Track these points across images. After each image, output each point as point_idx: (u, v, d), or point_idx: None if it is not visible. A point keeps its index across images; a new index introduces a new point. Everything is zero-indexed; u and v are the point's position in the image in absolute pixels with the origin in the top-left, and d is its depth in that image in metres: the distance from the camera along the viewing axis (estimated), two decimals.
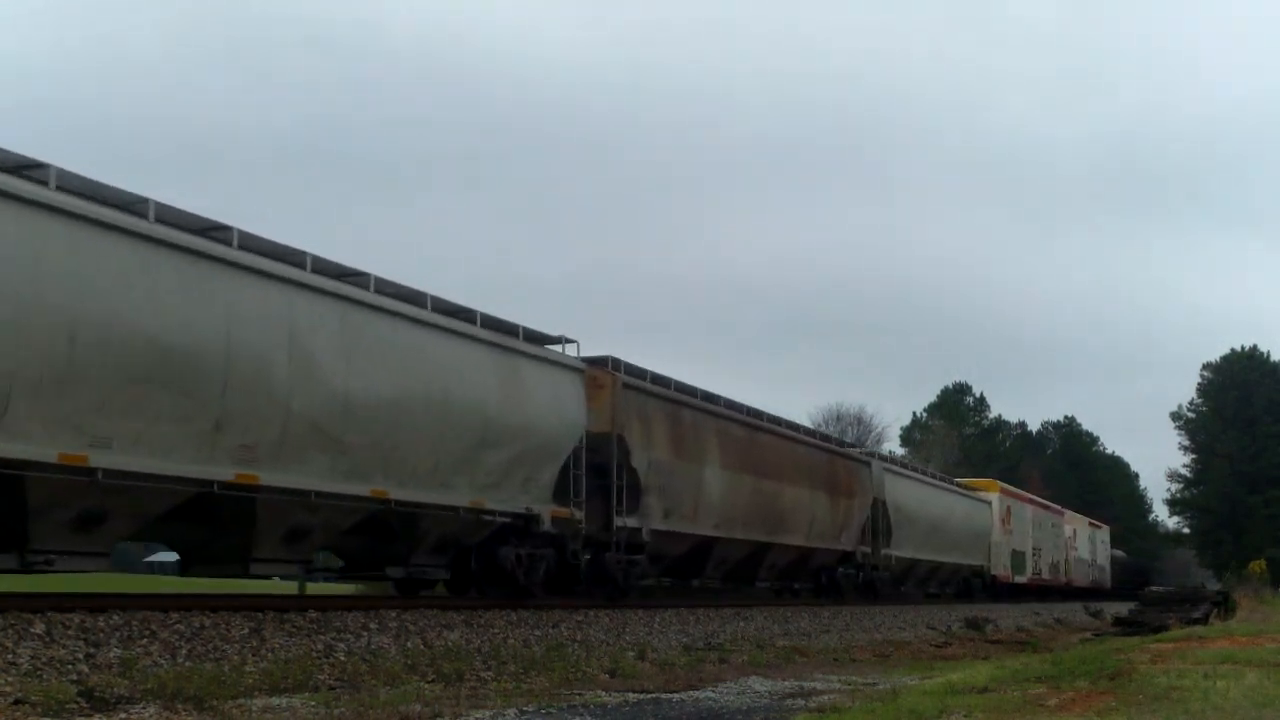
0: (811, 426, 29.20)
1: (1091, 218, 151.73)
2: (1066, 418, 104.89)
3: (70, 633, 9.75)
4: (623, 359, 19.68)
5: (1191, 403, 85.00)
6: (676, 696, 10.38)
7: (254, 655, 10.64)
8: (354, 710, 8.37)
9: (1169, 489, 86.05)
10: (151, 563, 49.39)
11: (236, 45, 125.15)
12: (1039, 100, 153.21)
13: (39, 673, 8.76)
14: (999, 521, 43.07)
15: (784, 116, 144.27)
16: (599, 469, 18.35)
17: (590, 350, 18.95)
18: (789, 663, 15.43)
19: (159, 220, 11.31)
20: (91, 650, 9.53)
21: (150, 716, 7.76)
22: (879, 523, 30.61)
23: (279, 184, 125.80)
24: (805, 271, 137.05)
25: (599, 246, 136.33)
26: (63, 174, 10.54)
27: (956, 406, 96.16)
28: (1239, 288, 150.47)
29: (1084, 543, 60.30)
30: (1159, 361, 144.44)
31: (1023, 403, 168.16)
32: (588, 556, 18.16)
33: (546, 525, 16.73)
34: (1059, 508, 57.04)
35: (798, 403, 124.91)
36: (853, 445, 32.38)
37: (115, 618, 10.39)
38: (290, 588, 19.17)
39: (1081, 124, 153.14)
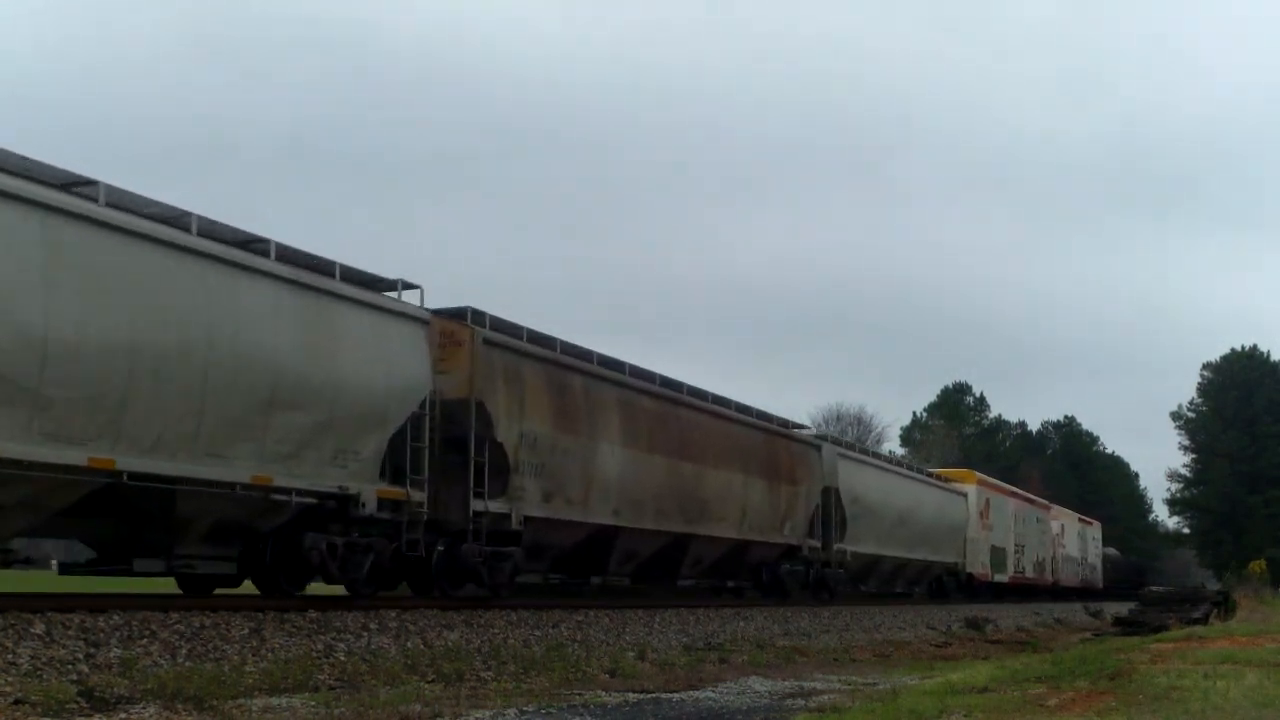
0: (758, 408, 24.72)
1: (1092, 217, 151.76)
2: (1066, 418, 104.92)
3: (70, 633, 9.75)
4: (488, 311, 16.60)
5: (1191, 403, 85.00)
6: (676, 696, 10.38)
7: (254, 655, 10.64)
8: (354, 710, 8.37)
9: (1169, 489, 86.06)
10: None
11: (235, 45, 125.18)
12: (1039, 100, 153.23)
13: (39, 673, 8.76)
14: (977, 515, 39.88)
15: (784, 117, 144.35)
16: (457, 442, 15.36)
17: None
18: (789, 663, 15.44)
19: None
20: (91, 650, 9.53)
21: (150, 716, 7.76)
22: (832, 514, 27.47)
23: (277, 183, 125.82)
24: (805, 271, 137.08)
25: (598, 246, 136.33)
26: None
27: (956, 406, 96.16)
28: (1239, 288, 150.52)
29: (1073, 540, 57.26)
30: (1159, 361, 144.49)
31: (1023, 403, 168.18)
32: (441, 548, 15.22)
33: (370, 508, 13.64)
34: (1045, 502, 54.15)
35: (798, 403, 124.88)
36: (801, 427, 27.11)
37: (115, 618, 10.38)
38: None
39: (1082, 124, 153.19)
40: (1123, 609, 31.71)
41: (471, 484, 15.33)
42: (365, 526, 13.97)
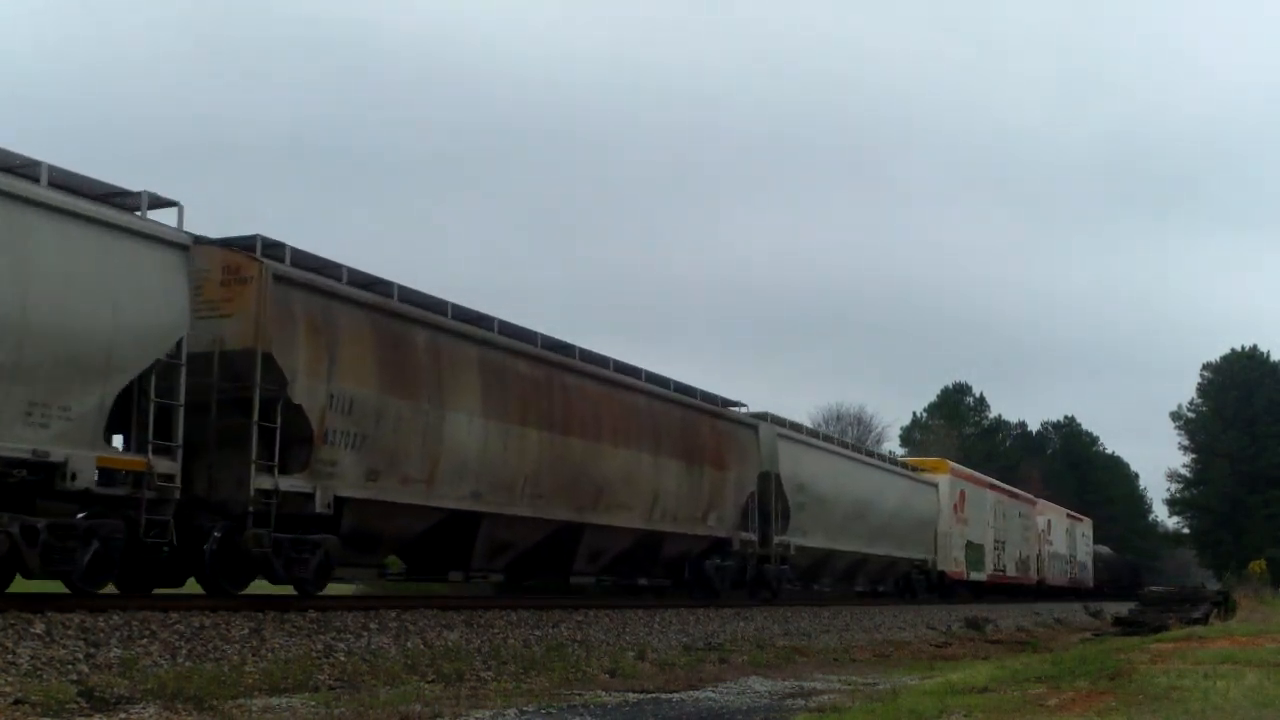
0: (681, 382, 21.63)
1: (1092, 217, 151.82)
2: (1066, 418, 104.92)
3: (70, 633, 9.75)
4: (292, 244, 13.56)
5: (1191, 403, 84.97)
6: (676, 696, 10.38)
7: (254, 655, 10.64)
8: (354, 710, 8.37)
9: (1169, 489, 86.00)
10: None
11: (235, 45, 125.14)
12: (1039, 100, 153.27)
13: (39, 673, 8.76)
14: (950, 508, 36.66)
15: (783, 117, 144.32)
16: (243, 405, 12.57)
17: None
18: (789, 663, 15.44)
19: None
20: (91, 650, 9.53)
21: (150, 716, 7.76)
22: (772, 503, 24.28)
23: (277, 184, 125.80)
24: (805, 271, 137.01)
25: (598, 247, 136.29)
26: None
27: (956, 406, 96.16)
28: (1239, 288, 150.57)
29: (1060, 536, 54.33)
30: (1159, 361, 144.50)
31: (1023, 403, 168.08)
32: (217, 534, 12.37)
33: (87, 480, 10.73)
34: (1029, 496, 51.17)
35: (798, 403, 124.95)
36: (736, 404, 23.69)
37: (115, 618, 10.38)
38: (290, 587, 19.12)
39: (1082, 124, 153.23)
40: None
41: (254, 455, 12.40)
42: (90, 505, 11.15)
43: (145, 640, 10.15)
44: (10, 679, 8.39)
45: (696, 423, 21.61)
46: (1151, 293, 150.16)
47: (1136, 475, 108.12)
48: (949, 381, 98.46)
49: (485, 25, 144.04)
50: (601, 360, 19.15)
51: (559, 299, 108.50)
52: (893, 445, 78.53)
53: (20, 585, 11.51)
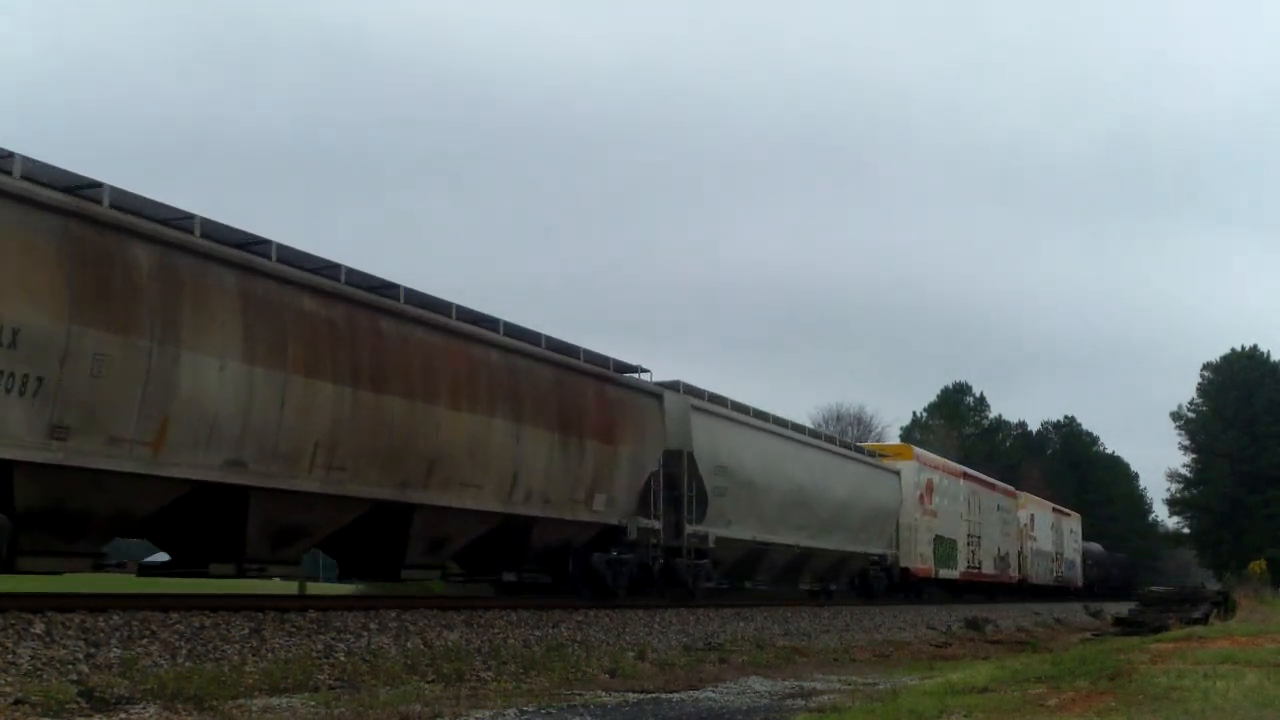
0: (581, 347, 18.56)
1: (1091, 218, 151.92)
2: (1066, 418, 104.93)
3: (70, 633, 9.75)
4: None
5: (1191, 403, 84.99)
6: (676, 696, 10.38)
7: (254, 655, 10.64)
8: (354, 710, 8.37)
9: (1169, 489, 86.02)
10: None
11: (233, 47, 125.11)
12: (1038, 101, 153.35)
13: (39, 673, 8.76)
14: (914, 498, 33.53)
15: (784, 119, 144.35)
16: None
17: None
18: (789, 663, 15.43)
19: None
20: (91, 650, 9.53)
21: (150, 716, 7.76)
22: (684, 486, 20.95)
23: (276, 184, 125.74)
24: (805, 272, 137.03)
25: (597, 247, 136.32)
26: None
27: (956, 406, 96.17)
28: (1239, 288, 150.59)
29: (1045, 531, 51.05)
30: (1159, 361, 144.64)
31: (1023, 403, 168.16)
32: None
33: None
34: (1009, 488, 47.87)
35: (798, 403, 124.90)
36: (636, 370, 20.15)
37: (115, 618, 10.39)
38: (290, 587, 19.16)
39: (1081, 125, 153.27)
40: (1068, 612, 31.45)
41: None
42: None
43: (145, 640, 10.16)
44: (10, 679, 8.39)
45: (577, 387, 17.91)
46: (1151, 293, 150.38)
47: (1136, 475, 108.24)
48: (949, 381, 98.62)
49: (483, 26, 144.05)
50: (440, 305, 15.54)
51: (558, 299, 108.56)
52: None
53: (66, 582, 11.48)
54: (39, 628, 9.62)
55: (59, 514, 11.04)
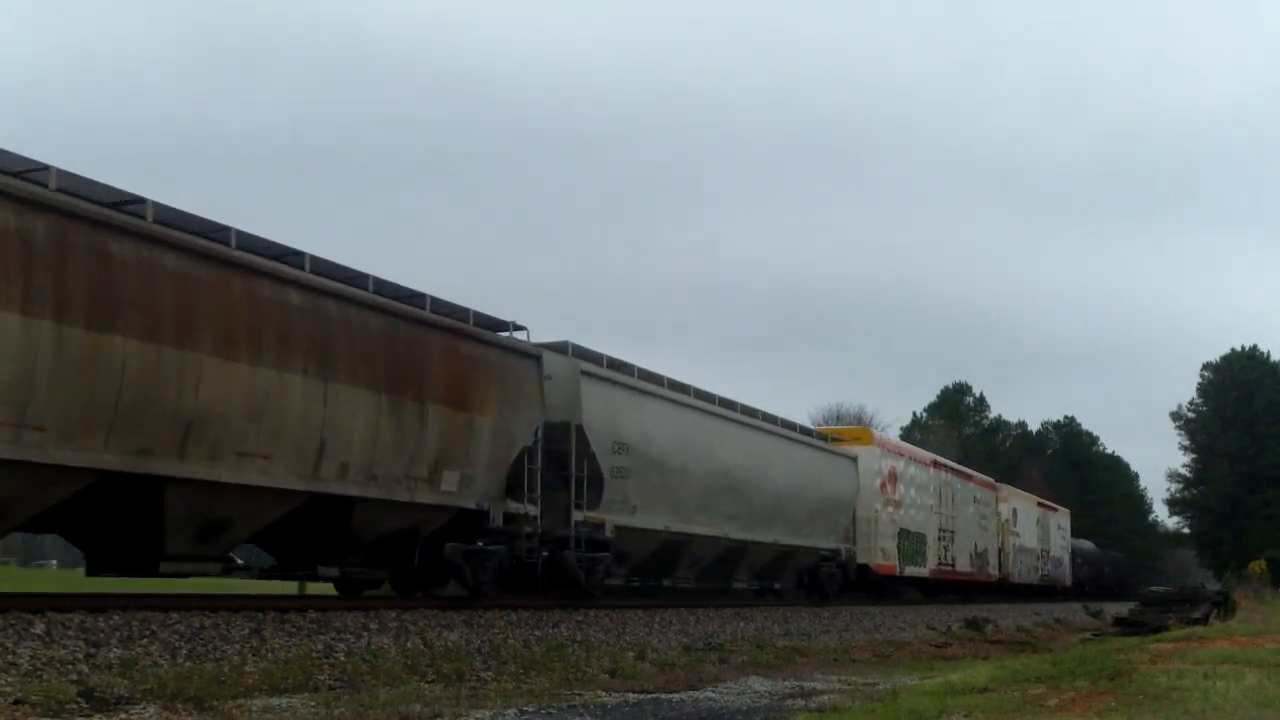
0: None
1: (1091, 218, 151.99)
2: (1066, 418, 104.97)
3: (70, 633, 9.75)
4: None
5: (1191, 403, 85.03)
6: (676, 696, 10.38)
7: (254, 655, 10.65)
8: (354, 710, 8.37)
9: (1169, 489, 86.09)
10: None
11: (228, 46, 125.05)
12: (1038, 101, 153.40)
13: (39, 673, 8.76)
14: (875, 487, 30.26)
15: (784, 119, 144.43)
16: None
17: None
18: (789, 663, 15.43)
19: None
20: (91, 650, 9.54)
21: (150, 716, 7.76)
22: (572, 466, 17.69)
23: (276, 184, 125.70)
24: (805, 272, 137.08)
25: (597, 247, 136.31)
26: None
27: (956, 406, 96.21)
28: (1239, 288, 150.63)
29: (1028, 527, 47.85)
30: (1159, 361, 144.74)
31: (1023, 403, 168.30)
32: None
33: None
34: (988, 479, 44.69)
35: (798, 403, 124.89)
36: (508, 327, 17.03)
37: (115, 618, 10.39)
38: (290, 587, 19.15)
39: (1081, 125, 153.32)
40: (1068, 612, 30.98)
41: None
42: None
43: (145, 640, 10.16)
44: (10, 679, 8.39)
45: (418, 341, 14.76)
46: (1151, 293, 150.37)
47: (1136, 475, 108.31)
48: (949, 381, 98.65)
49: (483, 26, 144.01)
50: (214, 230, 12.38)
51: (558, 299, 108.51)
52: None
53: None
54: (39, 628, 9.63)
55: None
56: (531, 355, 17.15)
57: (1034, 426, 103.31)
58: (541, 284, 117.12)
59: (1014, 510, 45.80)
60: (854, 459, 29.17)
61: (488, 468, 15.94)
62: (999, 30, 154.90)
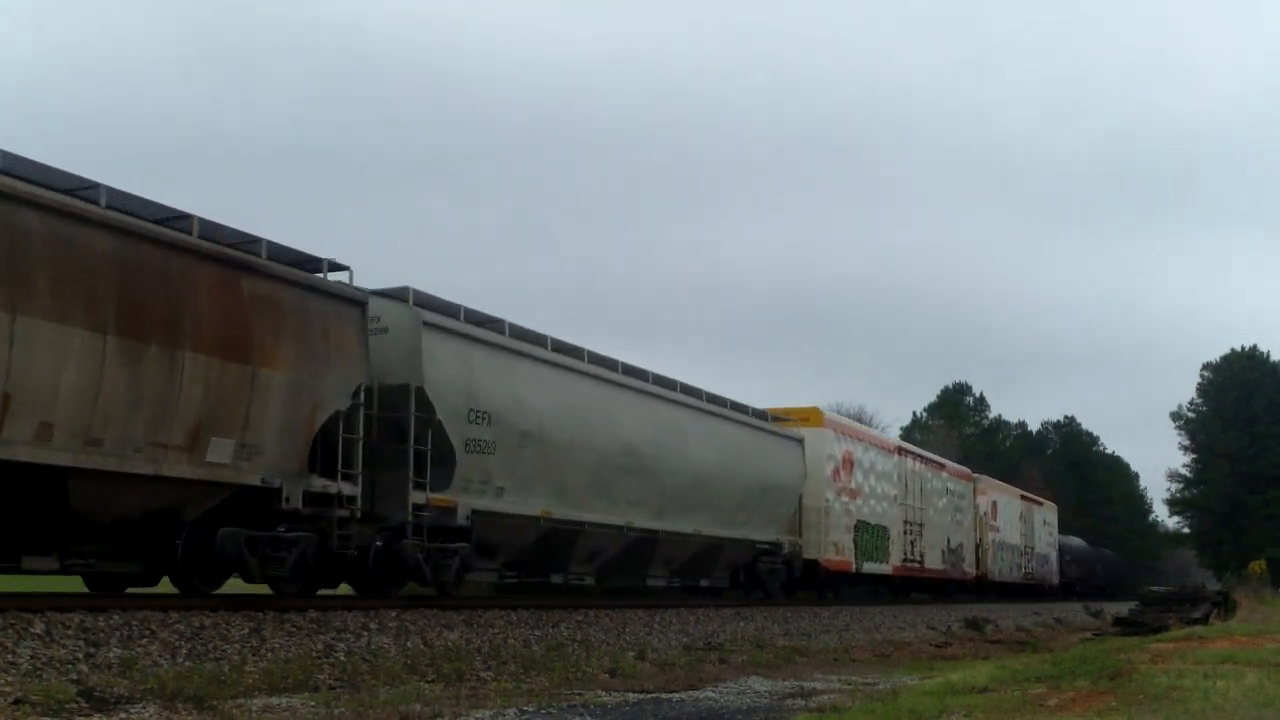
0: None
1: (1091, 218, 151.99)
2: (1066, 418, 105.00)
3: (70, 632, 9.75)
4: None
5: (1191, 403, 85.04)
6: (676, 696, 10.38)
7: (254, 655, 10.64)
8: (354, 710, 8.37)
9: (1169, 489, 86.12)
10: None
11: (228, 46, 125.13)
12: (1038, 101, 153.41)
13: (39, 673, 8.76)
14: (826, 474, 27.04)
15: (784, 119, 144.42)
16: None
17: None
18: (789, 663, 15.43)
19: None
20: (91, 650, 9.54)
21: (150, 716, 7.76)
22: (411, 437, 14.60)
23: (274, 184, 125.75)
24: (805, 272, 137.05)
25: (597, 247, 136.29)
26: None
27: (956, 406, 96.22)
28: (1239, 288, 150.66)
29: (1010, 521, 44.67)
30: (1159, 361, 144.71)
31: (1023, 403, 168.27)
32: None
33: None
34: (966, 470, 41.77)
35: (798, 403, 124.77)
36: (319, 263, 13.88)
37: (115, 618, 10.39)
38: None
39: (1081, 125, 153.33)
40: (1068, 612, 30.59)
41: None
42: None
43: (145, 640, 10.16)
44: (10, 679, 8.39)
45: (175, 273, 11.71)
46: (1151, 293, 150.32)
47: (1136, 475, 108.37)
48: (949, 381, 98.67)
49: (483, 26, 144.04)
50: None
51: (556, 300, 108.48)
52: None
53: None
54: (39, 627, 9.62)
55: None
56: (352, 300, 13.99)
57: (1034, 426, 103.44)
58: (541, 284, 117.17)
59: (994, 503, 42.77)
60: (800, 441, 25.93)
61: (281, 435, 12.78)
62: (999, 30, 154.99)
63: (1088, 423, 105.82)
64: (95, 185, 11.29)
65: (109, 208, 11.29)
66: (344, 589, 15.88)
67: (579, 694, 10.19)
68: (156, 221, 11.84)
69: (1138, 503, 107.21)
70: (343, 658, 11.26)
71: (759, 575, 24.60)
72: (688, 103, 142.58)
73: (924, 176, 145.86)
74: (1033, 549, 48.48)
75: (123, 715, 7.72)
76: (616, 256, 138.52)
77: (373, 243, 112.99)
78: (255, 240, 12.98)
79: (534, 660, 12.61)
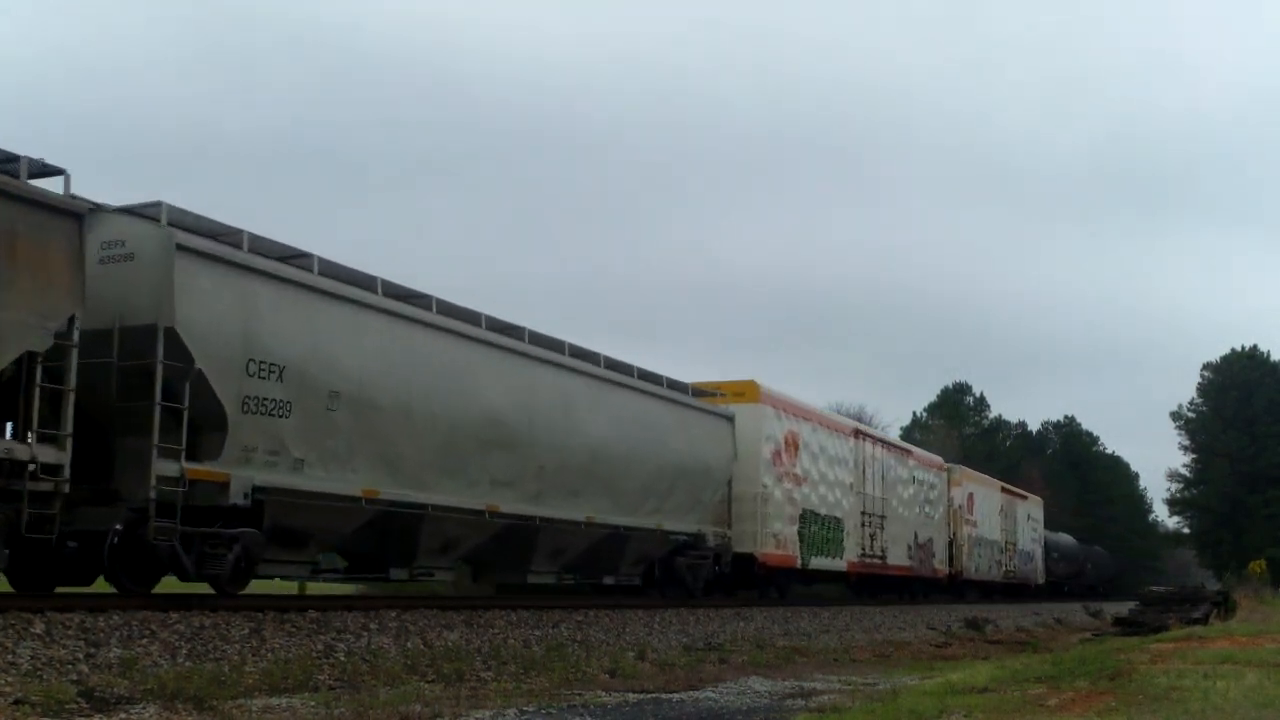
0: None
1: (1091, 218, 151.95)
2: (1066, 418, 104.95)
3: (70, 633, 9.75)
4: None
5: (1191, 403, 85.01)
6: (676, 696, 10.38)
7: (254, 655, 10.64)
8: (354, 710, 8.37)
9: (1169, 489, 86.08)
10: None
11: (231, 47, 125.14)
12: (1038, 101, 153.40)
13: (39, 673, 8.76)
14: (766, 457, 23.76)
15: (784, 119, 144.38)
16: None
17: None
18: (789, 663, 15.44)
19: None
20: (91, 650, 9.53)
21: (150, 716, 7.76)
22: (167, 391, 11.41)
23: (274, 184, 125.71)
24: (805, 272, 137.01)
25: (597, 247, 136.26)
26: None
27: (956, 406, 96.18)
28: (1239, 288, 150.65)
29: (990, 516, 41.05)
30: (1159, 361, 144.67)
31: (1023, 403, 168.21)
32: None
33: None
34: (938, 459, 38.21)
35: None
36: (49, 170, 10.64)
37: (115, 618, 10.38)
38: (290, 587, 19.09)
39: (1081, 125, 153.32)
40: (1068, 612, 30.34)
41: None
42: None
43: (145, 640, 10.15)
44: (10, 679, 8.39)
45: None
46: (1151, 293, 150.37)
47: (1136, 475, 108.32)
48: (949, 381, 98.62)
49: (483, 26, 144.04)
50: None
51: (556, 300, 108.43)
52: None
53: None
54: (39, 627, 9.62)
55: None
56: (61, 210, 10.68)
57: (1034, 426, 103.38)
58: (541, 284, 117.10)
59: (970, 495, 38.85)
60: (729, 419, 22.44)
61: None
62: (999, 30, 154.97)
63: (1088, 423, 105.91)
64: None
65: None
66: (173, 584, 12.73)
67: (579, 694, 10.20)
68: None
69: (1138, 503, 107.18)
70: (343, 658, 11.26)
71: (677, 571, 21.44)
72: (688, 103, 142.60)
73: (924, 176, 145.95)
74: (1015, 545, 44.97)
75: (123, 715, 7.72)
76: (616, 256, 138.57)
77: (373, 243, 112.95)
78: None
79: (534, 660, 12.61)
